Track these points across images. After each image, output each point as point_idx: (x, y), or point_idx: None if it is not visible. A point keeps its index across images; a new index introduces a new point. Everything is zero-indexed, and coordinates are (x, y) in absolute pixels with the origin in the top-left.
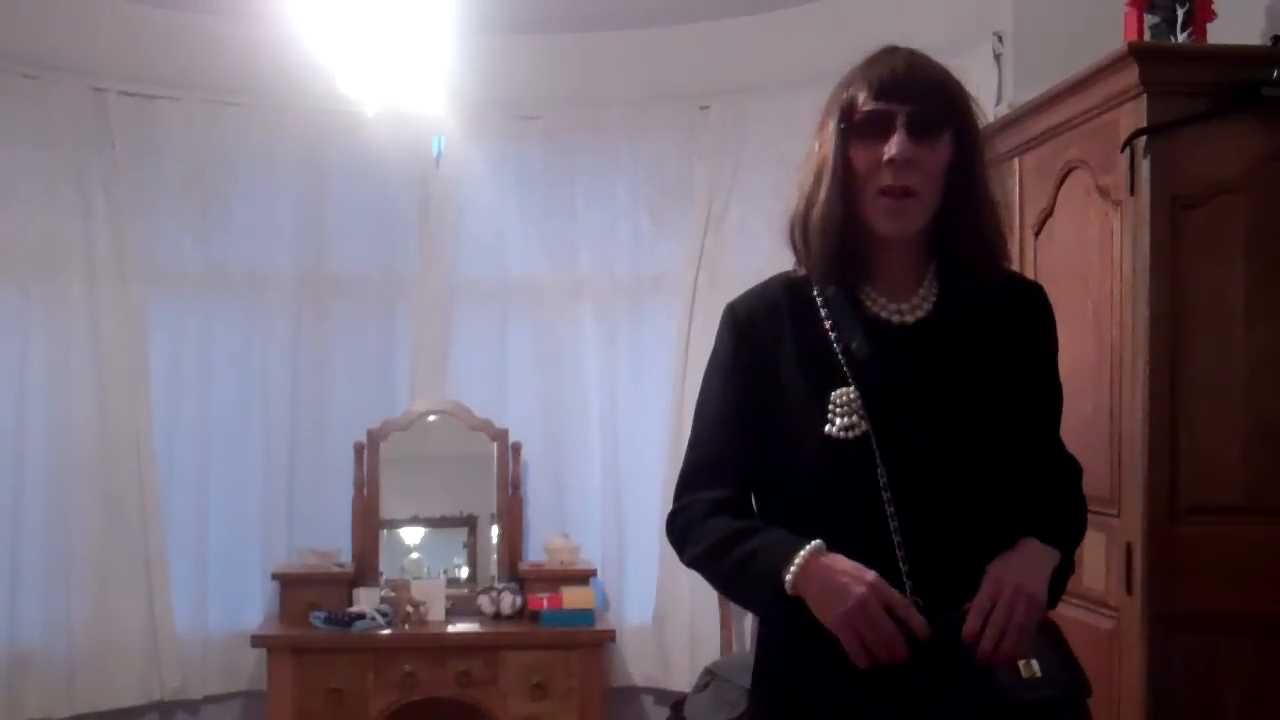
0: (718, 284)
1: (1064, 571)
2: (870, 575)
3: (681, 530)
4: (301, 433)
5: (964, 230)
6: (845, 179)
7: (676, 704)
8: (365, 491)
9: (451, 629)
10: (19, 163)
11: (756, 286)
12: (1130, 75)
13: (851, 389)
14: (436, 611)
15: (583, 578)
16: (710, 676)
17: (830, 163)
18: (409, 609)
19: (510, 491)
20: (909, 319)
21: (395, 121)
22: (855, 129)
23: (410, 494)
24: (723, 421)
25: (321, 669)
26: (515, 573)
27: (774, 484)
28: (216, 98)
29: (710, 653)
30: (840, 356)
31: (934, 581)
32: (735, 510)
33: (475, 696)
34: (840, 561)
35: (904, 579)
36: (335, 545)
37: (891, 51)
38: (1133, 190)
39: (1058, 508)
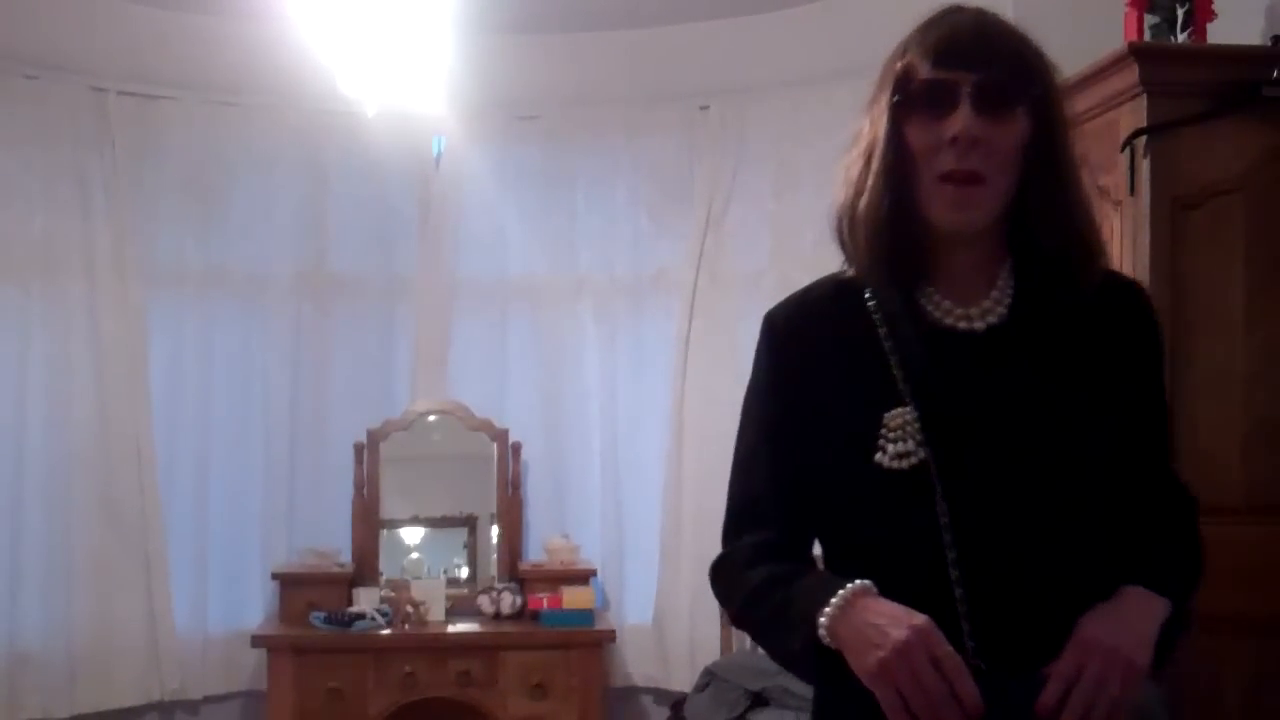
0: (718, 284)
1: (1176, 626)
2: (918, 619)
3: (725, 585)
4: (301, 433)
5: (1048, 222)
6: (899, 163)
7: (676, 704)
8: (365, 491)
9: (451, 629)
10: (19, 163)
11: (799, 291)
12: (1130, 75)
13: (908, 409)
14: (436, 611)
15: (583, 578)
16: (710, 676)
17: (881, 144)
18: (409, 609)
19: (510, 491)
20: (978, 325)
21: (395, 121)
22: (911, 103)
23: (410, 494)
24: (761, 453)
25: (321, 669)
26: (515, 573)
27: (819, 522)
28: (216, 98)
29: (710, 653)
30: (895, 371)
31: (1003, 642)
32: (779, 554)
33: (475, 696)
34: (883, 604)
35: (965, 640)
36: (335, 545)
37: (956, 10)
38: (1133, 190)
39: (1168, 549)
